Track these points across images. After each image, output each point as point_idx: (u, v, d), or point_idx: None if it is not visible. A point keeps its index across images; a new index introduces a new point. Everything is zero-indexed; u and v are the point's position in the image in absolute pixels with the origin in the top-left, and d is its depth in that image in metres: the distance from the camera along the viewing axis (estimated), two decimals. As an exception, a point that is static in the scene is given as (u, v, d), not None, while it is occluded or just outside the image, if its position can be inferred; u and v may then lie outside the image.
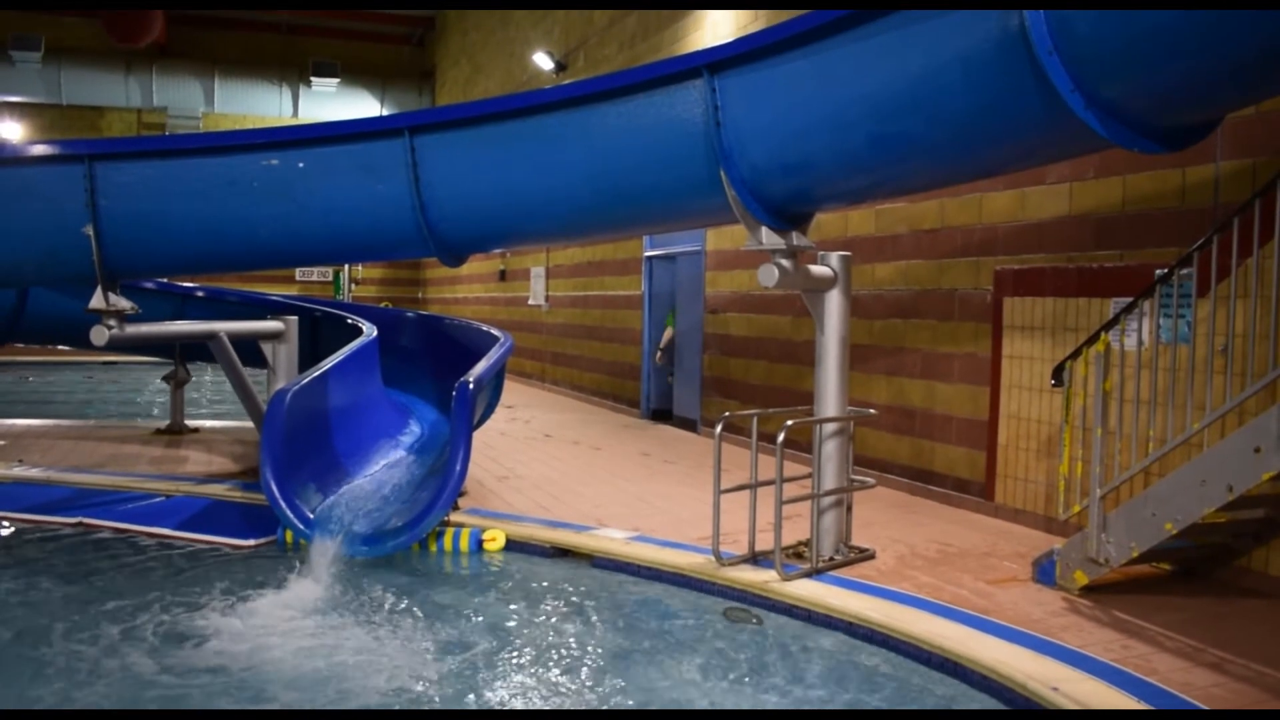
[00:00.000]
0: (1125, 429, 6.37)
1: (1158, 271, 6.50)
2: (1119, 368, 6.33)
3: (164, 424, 12.68)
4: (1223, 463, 5.33)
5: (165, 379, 12.87)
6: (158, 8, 24.71)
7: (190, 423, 12.73)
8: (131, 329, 8.29)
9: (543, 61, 18.47)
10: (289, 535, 7.42)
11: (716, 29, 12.72)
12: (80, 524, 7.91)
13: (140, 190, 7.65)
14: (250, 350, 9.26)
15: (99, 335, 8.02)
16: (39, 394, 19.01)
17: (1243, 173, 6.52)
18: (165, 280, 12.24)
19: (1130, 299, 6.28)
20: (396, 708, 4.77)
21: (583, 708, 4.87)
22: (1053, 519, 7.57)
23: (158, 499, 8.65)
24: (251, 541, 7.48)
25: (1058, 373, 6.51)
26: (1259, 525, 6.07)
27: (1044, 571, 6.41)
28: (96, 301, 7.93)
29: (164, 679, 5.02)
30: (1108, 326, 6.22)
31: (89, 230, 7.54)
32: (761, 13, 11.63)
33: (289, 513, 7.03)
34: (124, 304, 8.05)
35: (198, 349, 11.92)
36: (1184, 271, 6.03)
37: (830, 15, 5.61)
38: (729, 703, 4.88)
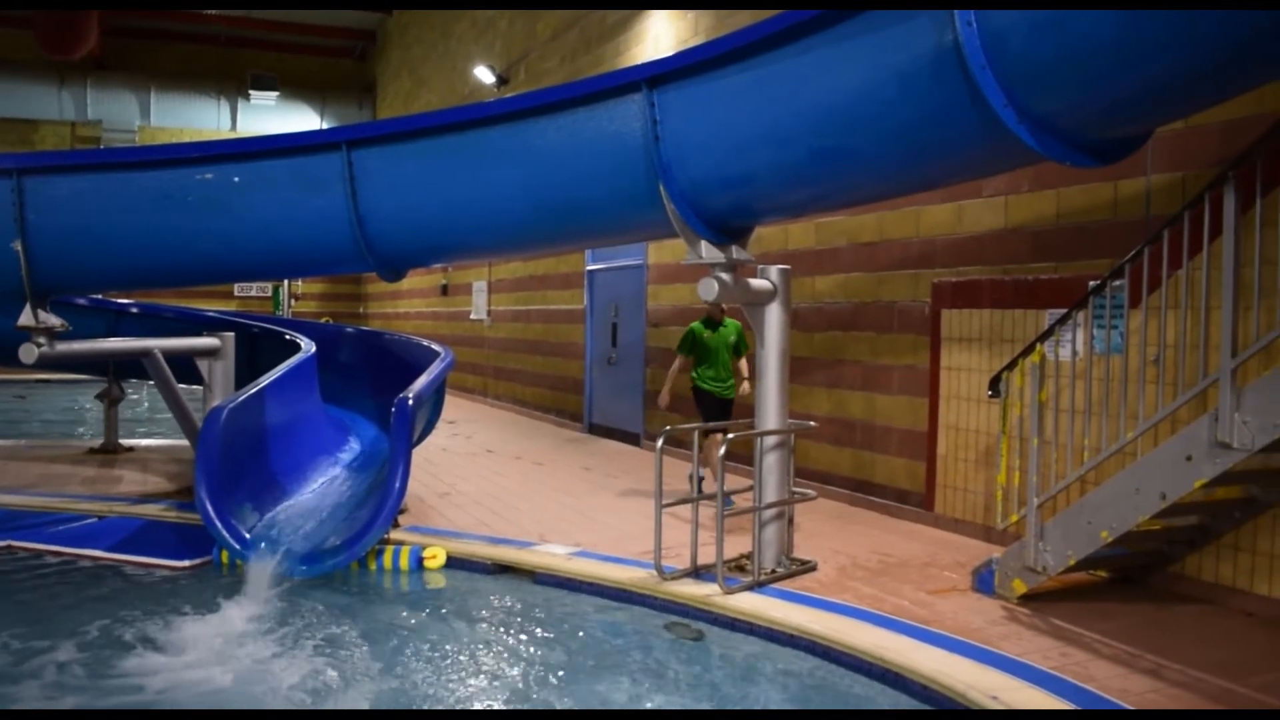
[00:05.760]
0: (1061, 438, 6.45)
1: (1091, 283, 6.59)
2: (1054, 378, 6.41)
3: (98, 443, 12.42)
4: (1156, 471, 5.42)
5: (99, 397, 12.62)
6: (94, 7, 24.19)
7: (125, 441, 12.49)
8: (62, 346, 8.12)
9: (484, 75, 18.40)
10: (225, 555, 7.28)
11: (658, 43, 12.75)
12: (9, 547, 7.70)
13: (71, 205, 7.54)
14: (187, 367, 9.11)
15: (28, 353, 7.86)
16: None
17: (1173, 186, 6.64)
18: (99, 296, 12.01)
19: (1065, 310, 6.37)
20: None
21: None
22: (991, 528, 7.64)
23: (90, 520, 8.43)
24: (187, 563, 7.33)
25: (995, 383, 6.60)
26: (1193, 532, 6.17)
27: (983, 581, 6.46)
28: (25, 318, 7.79)
29: (98, 703, 4.90)
30: (1043, 337, 6.31)
31: (17, 246, 7.40)
32: (702, 27, 11.69)
33: (225, 532, 6.91)
34: (54, 321, 7.91)
35: (132, 366, 11.71)
36: (1116, 283, 6.13)
37: (768, 29, 5.64)
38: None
